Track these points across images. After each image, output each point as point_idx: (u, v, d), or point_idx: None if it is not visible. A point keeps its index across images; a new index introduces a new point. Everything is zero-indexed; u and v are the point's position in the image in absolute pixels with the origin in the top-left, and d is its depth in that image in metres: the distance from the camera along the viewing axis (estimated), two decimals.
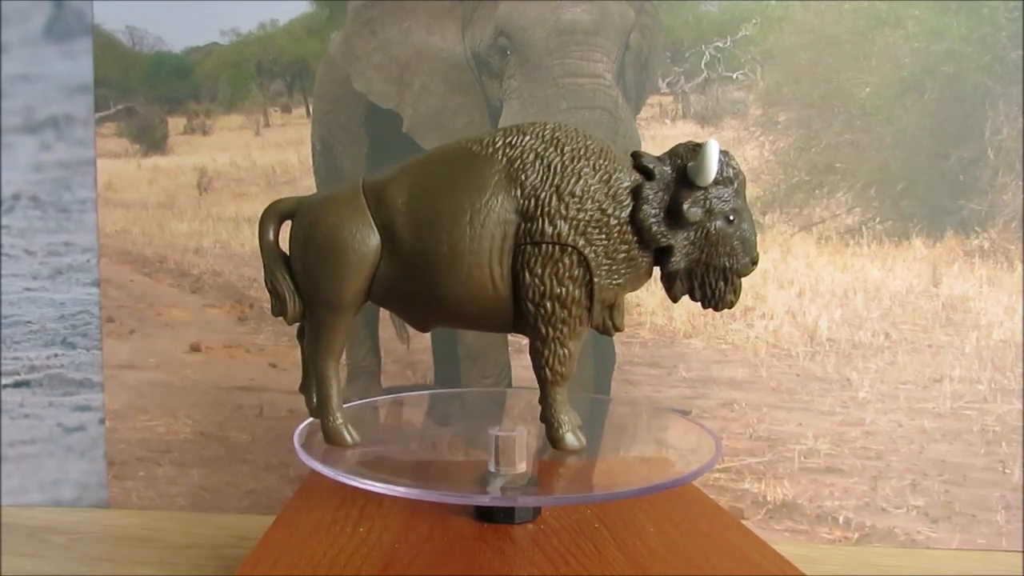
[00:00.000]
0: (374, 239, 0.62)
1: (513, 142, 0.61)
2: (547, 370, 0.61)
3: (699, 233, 0.59)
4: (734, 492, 0.92)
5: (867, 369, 0.91)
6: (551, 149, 0.60)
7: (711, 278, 0.61)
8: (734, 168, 0.59)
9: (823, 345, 0.92)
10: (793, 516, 0.92)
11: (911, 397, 0.91)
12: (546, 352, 0.61)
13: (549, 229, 0.59)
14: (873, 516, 0.91)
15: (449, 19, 0.95)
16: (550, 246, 0.59)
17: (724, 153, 0.59)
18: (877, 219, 0.92)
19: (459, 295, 0.60)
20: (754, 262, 0.61)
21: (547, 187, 0.59)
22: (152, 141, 1.04)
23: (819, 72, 0.92)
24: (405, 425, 0.77)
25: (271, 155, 1.02)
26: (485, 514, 0.60)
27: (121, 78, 1.03)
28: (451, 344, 0.96)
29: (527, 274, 0.59)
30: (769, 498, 0.92)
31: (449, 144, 0.65)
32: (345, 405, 0.67)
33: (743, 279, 0.61)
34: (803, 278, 0.93)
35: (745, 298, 0.93)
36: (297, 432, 0.66)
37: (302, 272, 0.65)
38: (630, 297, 0.94)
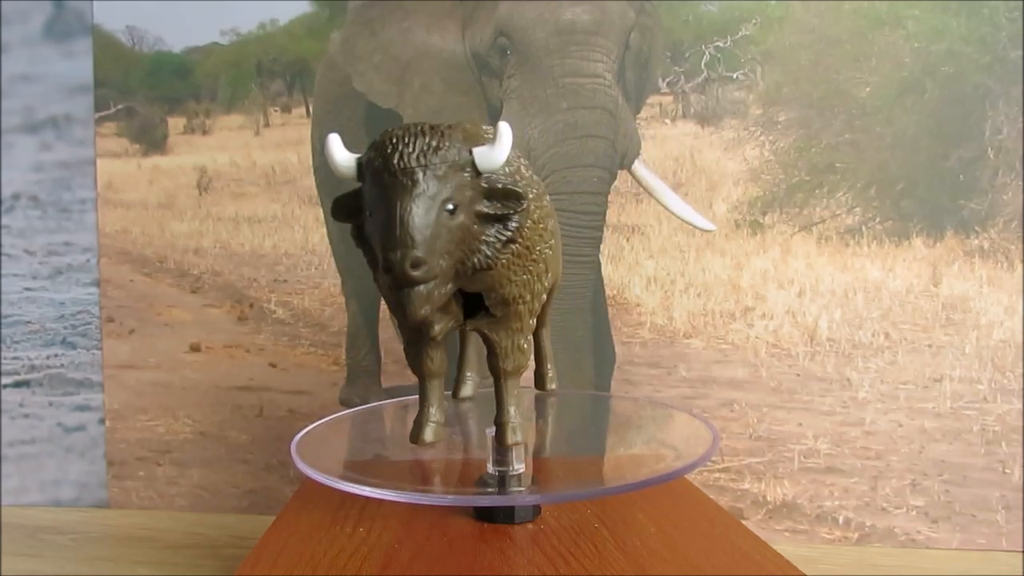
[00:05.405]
0: None
1: None
2: None
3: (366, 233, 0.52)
4: (734, 492, 0.92)
5: (867, 369, 0.91)
6: None
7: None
8: (371, 157, 0.50)
9: (823, 345, 0.92)
10: (793, 516, 0.91)
11: (911, 397, 0.91)
12: None
13: None
14: (873, 516, 0.91)
15: (449, 19, 0.95)
16: None
17: (388, 140, 0.50)
18: (877, 219, 0.92)
19: None
20: (386, 268, 0.48)
21: None
22: (152, 141, 1.04)
23: (819, 72, 0.92)
24: (405, 426, 0.77)
25: (271, 155, 1.02)
26: (485, 514, 0.60)
27: (121, 78, 1.03)
28: (451, 344, 0.96)
29: None
30: (769, 498, 0.92)
31: None
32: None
33: (412, 290, 0.48)
34: (803, 278, 0.93)
35: (745, 298, 0.93)
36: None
37: None
38: (630, 297, 0.94)
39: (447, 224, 0.49)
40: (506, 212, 0.51)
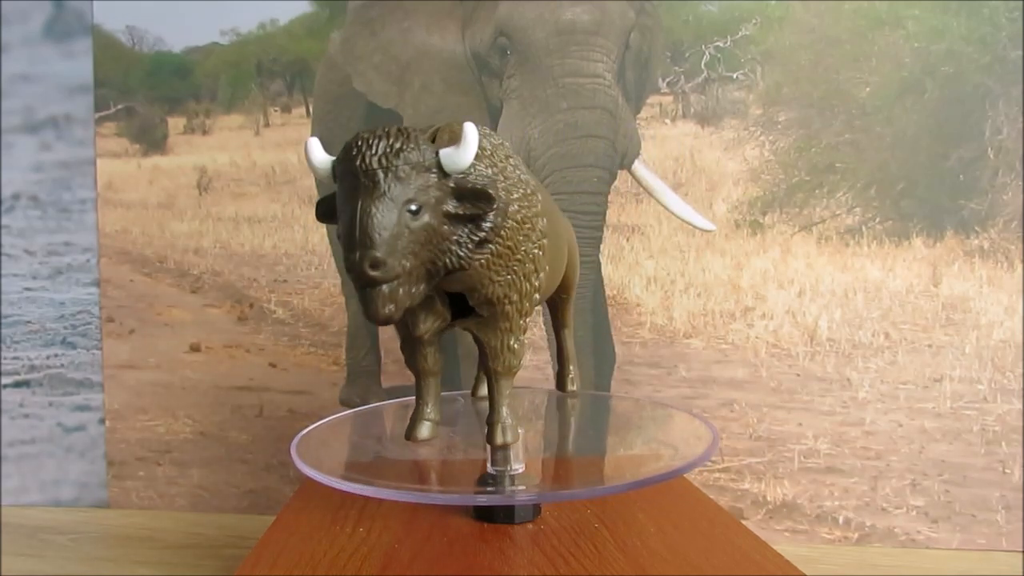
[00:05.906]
0: None
1: None
2: None
3: None
4: (734, 492, 0.92)
5: (867, 369, 0.91)
6: None
7: None
8: (340, 158, 0.51)
9: (823, 345, 0.92)
10: (793, 516, 0.91)
11: (911, 397, 0.91)
12: None
13: None
14: (873, 516, 0.91)
15: (449, 19, 0.95)
16: None
17: (355, 142, 0.50)
18: (877, 219, 0.92)
19: None
20: (347, 268, 0.48)
21: None
22: (152, 141, 1.04)
23: (819, 72, 0.92)
24: (405, 426, 0.78)
25: (271, 155, 1.02)
26: (485, 514, 0.60)
27: (121, 78, 1.03)
28: (451, 344, 0.96)
29: None
30: (769, 498, 0.92)
31: None
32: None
33: (374, 290, 0.48)
34: (803, 278, 0.93)
35: (745, 298, 0.93)
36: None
37: None
38: (630, 297, 0.95)
39: (410, 225, 0.49)
40: (476, 212, 0.51)
